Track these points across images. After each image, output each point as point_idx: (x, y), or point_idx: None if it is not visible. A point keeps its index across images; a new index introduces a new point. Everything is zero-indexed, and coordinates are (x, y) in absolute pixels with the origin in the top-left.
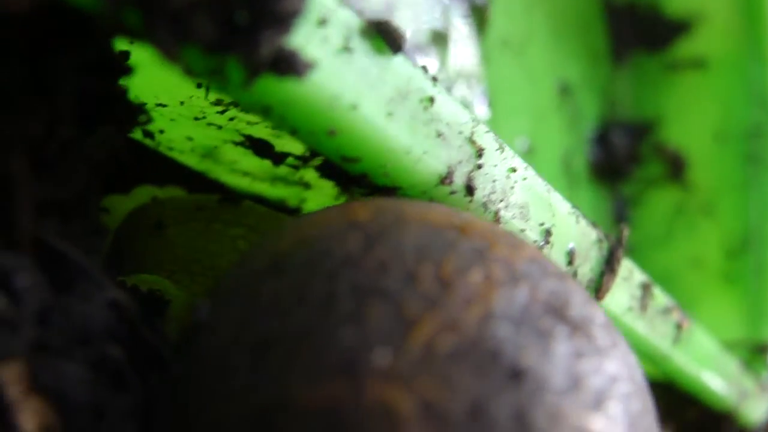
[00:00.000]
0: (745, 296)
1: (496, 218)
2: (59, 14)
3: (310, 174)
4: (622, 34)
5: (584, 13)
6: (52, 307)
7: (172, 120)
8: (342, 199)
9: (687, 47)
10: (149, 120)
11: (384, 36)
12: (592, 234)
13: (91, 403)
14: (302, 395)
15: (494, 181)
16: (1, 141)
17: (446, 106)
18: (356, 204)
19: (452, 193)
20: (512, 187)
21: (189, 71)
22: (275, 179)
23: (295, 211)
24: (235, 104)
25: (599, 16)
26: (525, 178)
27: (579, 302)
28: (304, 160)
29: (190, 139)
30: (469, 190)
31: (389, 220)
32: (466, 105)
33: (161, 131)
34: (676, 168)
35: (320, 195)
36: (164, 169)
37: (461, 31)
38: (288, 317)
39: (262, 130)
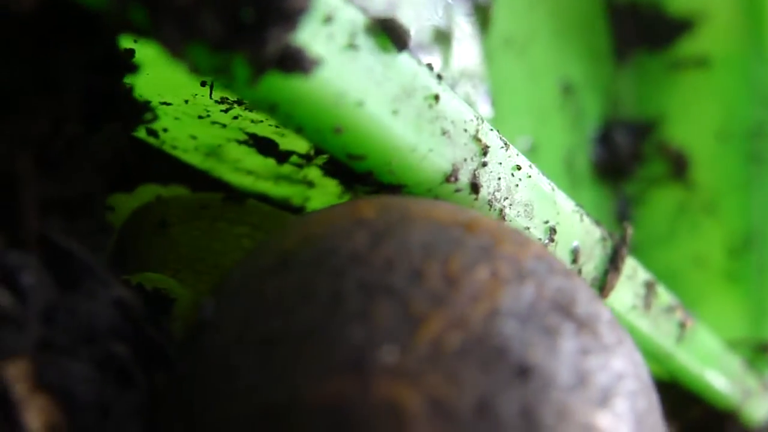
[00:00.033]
0: (748, 295)
1: (501, 216)
2: (65, 12)
3: (313, 172)
4: (624, 33)
5: (587, 13)
6: (58, 305)
7: (176, 118)
8: (345, 198)
9: (689, 46)
10: (154, 118)
11: (389, 33)
12: (596, 232)
13: (97, 401)
14: (308, 393)
15: (499, 178)
16: (6, 139)
17: (451, 104)
18: (362, 202)
19: (457, 190)
20: (517, 185)
21: (195, 69)
22: (279, 177)
23: (299, 210)
24: (240, 102)
25: (602, 16)
26: (529, 176)
27: (585, 299)
28: (308, 159)
29: (194, 137)
30: (474, 187)
31: (395, 218)
32: (470, 104)
33: (165, 129)
34: (678, 167)
35: (324, 193)
36: (168, 167)
37: (464, 30)
38: (293, 315)
39: (266, 129)
